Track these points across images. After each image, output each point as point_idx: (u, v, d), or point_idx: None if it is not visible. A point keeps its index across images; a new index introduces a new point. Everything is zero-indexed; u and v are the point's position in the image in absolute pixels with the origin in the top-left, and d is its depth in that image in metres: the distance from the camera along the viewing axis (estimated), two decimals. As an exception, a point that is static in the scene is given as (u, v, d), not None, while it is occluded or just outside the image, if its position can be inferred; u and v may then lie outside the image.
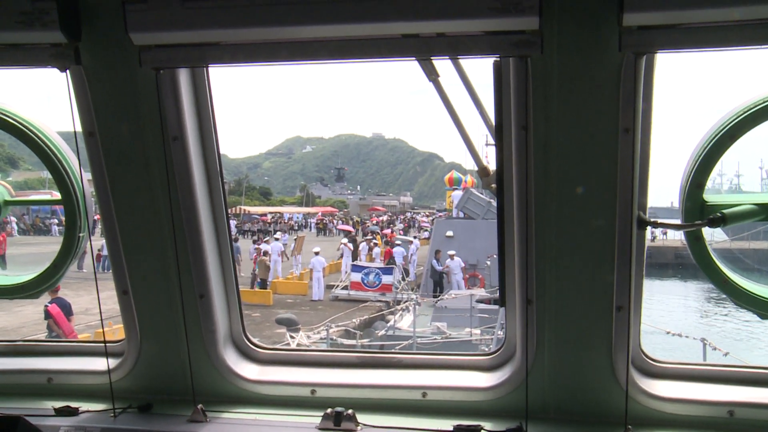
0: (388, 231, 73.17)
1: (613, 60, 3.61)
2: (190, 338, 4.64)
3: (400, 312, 34.88)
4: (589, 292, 4.13)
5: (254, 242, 54.08)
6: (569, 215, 3.99)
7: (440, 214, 79.94)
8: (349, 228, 72.14)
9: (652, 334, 29.75)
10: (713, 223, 3.86)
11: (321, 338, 27.84)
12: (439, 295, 36.74)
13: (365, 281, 41.88)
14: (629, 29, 3.43)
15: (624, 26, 3.41)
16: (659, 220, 4.04)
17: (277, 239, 53.75)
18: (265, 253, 45.05)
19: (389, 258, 47.49)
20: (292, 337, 27.27)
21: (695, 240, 4.03)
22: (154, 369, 4.83)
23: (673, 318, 38.27)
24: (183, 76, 4.19)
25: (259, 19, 3.62)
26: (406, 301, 36.42)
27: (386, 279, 41.90)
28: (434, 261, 41.94)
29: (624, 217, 3.90)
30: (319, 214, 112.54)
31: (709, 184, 3.94)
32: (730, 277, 4.07)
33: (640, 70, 3.62)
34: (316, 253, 43.38)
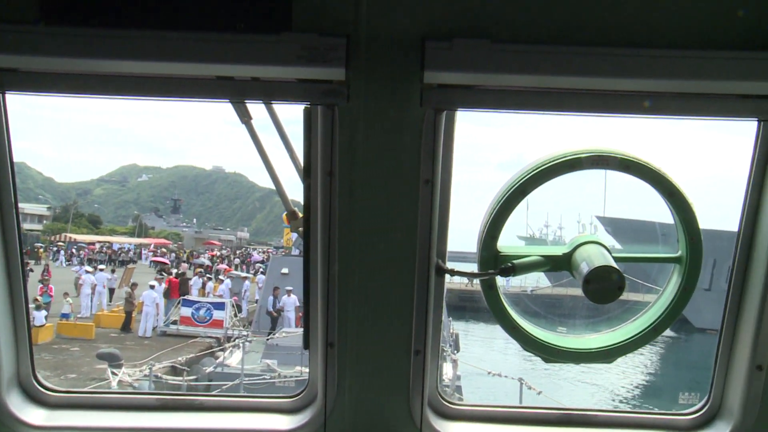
0: (223, 266, 71.67)
1: (415, 114, 3.80)
2: None
3: (230, 349, 34.24)
4: (388, 336, 4.25)
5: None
6: (371, 260, 4.11)
7: (272, 250, 79.55)
8: (164, 260, 69.75)
9: (475, 375, 30.97)
10: (504, 273, 4.14)
11: (144, 375, 26.80)
12: (275, 333, 36.42)
13: (195, 316, 40.71)
14: (430, 86, 3.63)
15: (425, 83, 3.60)
16: (455, 269, 4.24)
17: (102, 269, 51.19)
18: (134, 285, 43.13)
19: (175, 287, 45.55)
20: (113, 373, 26.11)
21: (489, 288, 4.27)
22: None
23: (505, 361, 39.93)
24: None
25: (68, 50, 3.50)
26: (237, 338, 35.80)
27: (218, 314, 40.93)
28: (271, 298, 41.42)
29: (423, 264, 4.07)
30: (152, 245, 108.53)
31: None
32: (519, 324, 4.33)
33: (440, 124, 3.82)
34: (152, 287, 41.73)
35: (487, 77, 3.62)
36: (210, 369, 30.47)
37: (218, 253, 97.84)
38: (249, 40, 3.51)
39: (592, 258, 4.03)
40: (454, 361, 29.91)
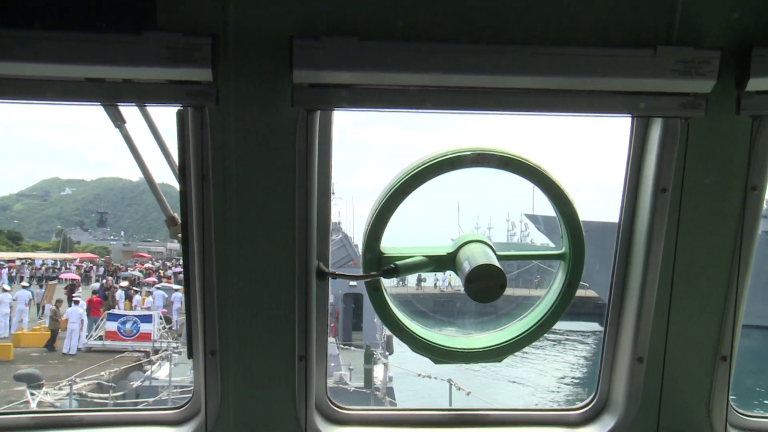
0: (152, 279, 70.22)
1: (289, 114, 3.73)
2: None
3: (159, 361, 33.61)
4: (271, 343, 4.16)
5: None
6: (250, 265, 4.02)
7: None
8: (74, 276, 67.97)
9: (408, 377, 31.03)
10: (387, 274, 4.09)
11: (66, 394, 26.00)
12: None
13: (122, 330, 39.75)
14: (300, 86, 3.56)
15: (295, 83, 3.54)
16: (337, 272, 4.18)
17: (25, 287, 49.43)
18: (59, 302, 41.88)
19: (95, 306, 43.83)
20: (32, 394, 25.24)
21: (374, 290, 4.22)
22: None
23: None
24: None
25: None
26: (166, 350, 35.13)
27: (145, 327, 40.04)
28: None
29: (303, 267, 3.99)
30: (77, 260, 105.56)
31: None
32: (406, 325, 4.30)
33: (313, 125, 3.76)
34: (76, 302, 40.39)
35: (357, 76, 3.57)
36: (137, 383, 29.78)
37: (148, 266, 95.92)
38: (113, 39, 3.37)
39: (476, 256, 4.01)
40: (385, 364, 29.91)
